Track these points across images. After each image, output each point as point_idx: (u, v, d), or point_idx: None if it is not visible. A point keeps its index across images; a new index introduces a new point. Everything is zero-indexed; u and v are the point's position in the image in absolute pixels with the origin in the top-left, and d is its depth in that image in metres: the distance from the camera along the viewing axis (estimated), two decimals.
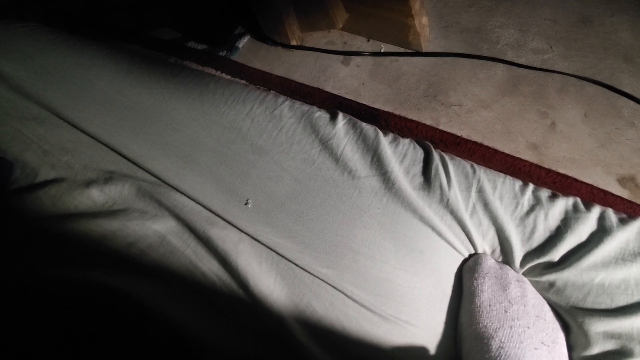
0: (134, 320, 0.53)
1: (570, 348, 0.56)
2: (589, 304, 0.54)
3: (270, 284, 0.58)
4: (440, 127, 0.92)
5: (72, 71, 0.77)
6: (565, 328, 0.57)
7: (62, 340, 0.51)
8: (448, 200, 0.60)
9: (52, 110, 0.74)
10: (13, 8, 1.10)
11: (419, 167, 0.64)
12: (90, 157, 0.71)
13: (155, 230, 0.62)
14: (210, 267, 0.59)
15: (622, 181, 0.84)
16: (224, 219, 0.63)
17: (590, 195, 0.82)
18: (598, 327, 0.53)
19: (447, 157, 0.65)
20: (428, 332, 0.58)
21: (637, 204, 0.79)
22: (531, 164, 0.86)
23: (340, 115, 0.70)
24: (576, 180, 0.83)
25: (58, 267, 0.58)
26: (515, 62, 0.99)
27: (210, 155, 0.68)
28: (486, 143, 0.89)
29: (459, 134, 0.91)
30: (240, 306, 0.57)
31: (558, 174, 0.84)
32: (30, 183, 0.68)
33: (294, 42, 1.10)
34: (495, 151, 0.89)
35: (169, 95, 0.73)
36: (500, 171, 0.83)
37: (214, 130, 0.69)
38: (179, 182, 0.66)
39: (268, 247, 0.61)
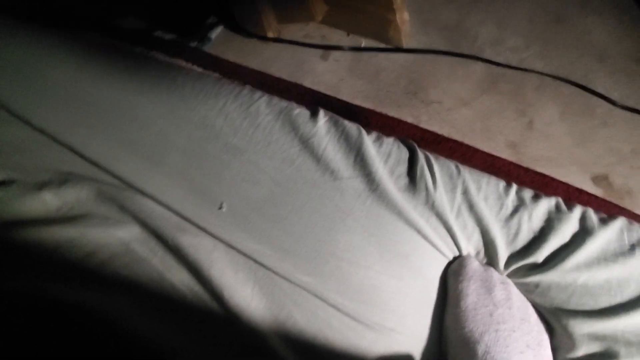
0: (97, 337, 0.48)
1: (554, 350, 0.56)
2: (573, 305, 0.54)
3: (248, 295, 0.54)
4: (422, 125, 0.91)
5: (23, 62, 0.69)
6: (550, 330, 0.57)
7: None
8: (434, 202, 0.58)
9: (0, 105, 0.66)
10: None
11: (403, 168, 0.61)
12: (44, 156, 0.63)
13: (118, 238, 0.57)
14: (180, 277, 0.54)
15: (596, 180, 0.85)
16: (195, 225, 0.58)
17: (567, 194, 0.83)
18: (583, 328, 0.52)
19: (432, 157, 0.63)
20: (414, 338, 0.56)
21: (610, 203, 0.81)
22: (510, 162, 0.86)
23: (322, 113, 0.66)
24: (553, 179, 0.84)
25: (4, 279, 0.52)
26: (493, 60, 0.99)
27: (180, 155, 0.62)
28: (466, 141, 0.88)
29: (439, 132, 0.90)
30: (215, 319, 0.52)
31: (536, 172, 0.85)
32: None
33: (270, 34, 1.05)
34: (476, 150, 0.88)
35: (133, 89, 0.66)
36: (481, 170, 0.83)
37: (183, 127, 0.64)
38: (144, 185, 0.60)
39: (245, 255, 0.56)
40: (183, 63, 1.02)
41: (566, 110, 0.91)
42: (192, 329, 0.52)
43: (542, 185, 0.83)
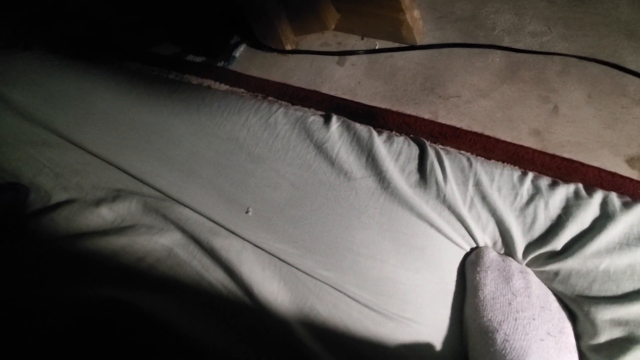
0: (146, 334, 0.56)
1: (577, 337, 0.55)
2: (595, 291, 0.54)
3: (274, 290, 0.59)
4: (439, 120, 0.91)
5: (77, 95, 0.80)
6: (572, 317, 0.57)
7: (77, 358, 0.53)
8: (445, 195, 0.60)
9: (60, 134, 0.77)
10: (19, 38, 1.15)
11: (414, 165, 0.64)
12: (99, 177, 0.74)
13: (162, 244, 0.65)
14: (216, 276, 0.61)
15: (631, 161, 0.81)
16: (226, 229, 0.65)
17: (598, 178, 0.79)
18: (605, 314, 0.52)
19: (442, 152, 0.64)
20: (433, 328, 0.59)
21: None
22: (534, 150, 0.84)
23: (334, 118, 0.70)
24: (582, 164, 0.81)
25: (73, 284, 0.62)
26: (512, 47, 0.97)
27: (210, 167, 0.70)
28: (487, 133, 0.88)
29: (458, 125, 0.89)
30: (246, 313, 0.59)
31: (563, 159, 0.82)
32: (45, 205, 0.71)
33: (288, 47, 1.11)
34: (497, 140, 0.87)
35: (169, 112, 0.75)
36: (503, 160, 0.82)
37: (212, 142, 0.71)
38: (182, 196, 0.68)
39: (270, 254, 0.62)
40: (212, 82, 1.11)
41: (594, 91, 0.87)
42: (226, 322, 0.58)
43: (571, 171, 0.81)
